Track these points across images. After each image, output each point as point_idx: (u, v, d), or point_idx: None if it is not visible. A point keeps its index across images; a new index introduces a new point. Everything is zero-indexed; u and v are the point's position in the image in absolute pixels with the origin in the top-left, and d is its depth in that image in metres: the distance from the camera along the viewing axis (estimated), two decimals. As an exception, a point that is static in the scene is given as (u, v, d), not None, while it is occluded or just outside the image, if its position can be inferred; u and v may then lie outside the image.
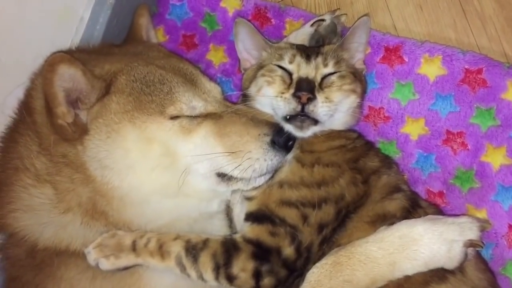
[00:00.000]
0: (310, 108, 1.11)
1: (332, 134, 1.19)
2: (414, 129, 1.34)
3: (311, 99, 1.11)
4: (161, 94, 1.07)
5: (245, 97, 1.23)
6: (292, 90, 1.13)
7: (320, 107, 1.11)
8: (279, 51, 1.23)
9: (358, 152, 1.18)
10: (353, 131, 1.25)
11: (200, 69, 1.24)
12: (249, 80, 1.26)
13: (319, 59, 1.18)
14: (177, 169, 1.06)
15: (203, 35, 1.53)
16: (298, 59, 1.18)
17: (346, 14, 1.41)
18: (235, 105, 1.17)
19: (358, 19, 1.27)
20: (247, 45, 1.28)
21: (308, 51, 1.21)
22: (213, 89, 1.19)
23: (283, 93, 1.14)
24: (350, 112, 1.20)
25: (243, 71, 1.33)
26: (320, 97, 1.12)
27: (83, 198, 1.06)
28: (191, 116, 1.08)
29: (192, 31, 1.53)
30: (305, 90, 1.11)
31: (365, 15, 1.31)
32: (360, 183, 1.11)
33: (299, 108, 1.11)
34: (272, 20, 1.48)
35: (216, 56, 1.52)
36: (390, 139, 1.37)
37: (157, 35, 1.48)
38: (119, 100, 1.06)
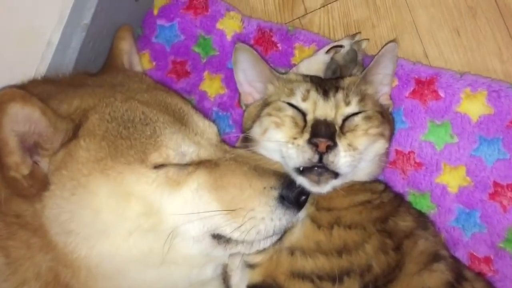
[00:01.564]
0: (329, 158, 1.00)
1: (354, 187, 1.09)
2: (453, 179, 1.25)
3: (331, 147, 1.00)
4: (143, 138, 0.98)
5: (247, 140, 1.14)
6: (307, 136, 1.02)
7: (342, 157, 1.00)
8: (289, 85, 1.12)
9: (387, 209, 1.08)
10: (379, 182, 1.16)
11: (191, 104, 1.16)
12: (251, 119, 1.16)
13: (340, 96, 1.07)
14: (161, 232, 0.97)
15: (196, 62, 1.47)
16: (314, 95, 1.07)
17: (368, 39, 1.32)
18: (235, 150, 1.09)
19: (384, 46, 1.18)
20: (249, 76, 1.19)
21: (325, 85, 1.10)
22: (208, 130, 1.10)
23: (295, 138, 1.03)
24: (376, 161, 1.10)
25: (244, 107, 1.25)
26: (342, 144, 1.02)
27: (42, 268, 0.95)
28: (180, 165, 0.99)
29: (184, 57, 1.48)
30: (324, 135, 1.00)
31: (392, 41, 1.23)
32: (391, 250, 1.02)
33: (315, 158, 1.00)
34: (279, 45, 1.41)
35: (212, 87, 1.45)
36: (422, 190, 1.28)
37: (141, 62, 1.42)
38: (90, 145, 0.96)
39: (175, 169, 0.97)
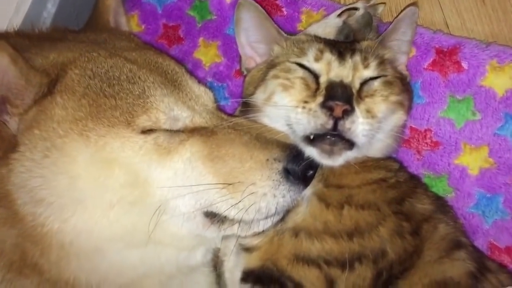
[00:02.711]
0: (346, 125, 0.94)
1: (367, 164, 1.04)
2: (473, 160, 1.21)
3: (348, 112, 0.94)
4: (130, 97, 0.93)
5: (246, 108, 1.09)
6: (320, 99, 0.96)
7: (360, 124, 0.95)
8: (299, 45, 1.06)
9: (403, 189, 1.05)
10: (393, 159, 1.11)
11: (185, 68, 1.12)
12: (254, 83, 1.10)
13: (357, 58, 1.01)
14: (147, 206, 0.92)
15: (190, 27, 1.41)
16: (328, 56, 1.01)
17: (384, 3, 1.26)
18: (234, 118, 1.04)
19: (402, 10, 1.13)
20: (253, 36, 1.13)
21: (339, 47, 1.04)
22: (203, 95, 1.06)
23: (306, 102, 0.97)
24: (393, 134, 1.04)
25: (244, 72, 1.19)
26: (360, 110, 0.96)
27: (6, 245, 0.91)
28: (171, 131, 0.94)
29: (177, 21, 1.42)
30: (340, 98, 0.93)
31: (411, 4, 1.15)
32: (408, 234, 0.98)
33: (330, 124, 0.94)
34: (284, 10, 1.34)
35: (207, 54, 1.39)
36: (439, 172, 1.24)
37: (129, 24, 1.35)
38: (67, 103, 0.91)
39: (165, 135, 0.93)
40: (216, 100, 1.09)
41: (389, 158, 1.09)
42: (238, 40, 1.16)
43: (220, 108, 1.09)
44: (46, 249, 0.89)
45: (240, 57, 1.21)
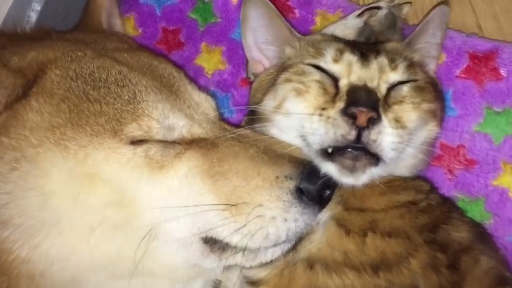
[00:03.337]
0: (371, 135, 0.84)
1: (394, 183, 0.95)
2: None
3: (374, 121, 0.84)
4: (118, 103, 0.87)
5: (253, 117, 1.02)
6: (340, 104, 0.87)
7: (388, 135, 0.85)
8: (315, 45, 0.98)
9: (436, 214, 0.95)
10: (423, 180, 1.02)
11: (184, 73, 1.07)
12: (262, 90, 1.02)
13: (383, 59, 0.92)
14: (135, 230, 0.85)
15: (192, 31, 1.35)
16: (349, 56, 0.93)
17: (410, 2, 1.19)
18: (239, 129, 0.99)
19: (431, 9, 1.05)
20: (262, 36, 1.05)
21: (361, 47, 0.96)
22: (204, 103, 1.01)
23: (323, 109, 0.88)
24: (424, 149, 0.95)
25: (251, 78, 1.11)
26: (387, 118, 0.86)
27: None
28: (165, 142, 0.88)
29: (177, 24, 1.35)
30: (365, 104, 0.84)
31: (442, 2, 1.08)
32: (444, 268, 0.89)
33: (352, 135, 0.84)
34: (296, 11, 1.28)
35: (210, 61, 1.33)
36: (475, 195, 1.17)
37: (125, 26, 1.30)
38: (43, 107, 0.84)
39: (158, 147, 0.87)
40: (218, 109, 1.03)
41: (418, 177, 1.00)
42: (245, 42, 1.09)
43: (223, 118, 1.05)
44: (13, 280, 0.81)
45: (246, 61, 1.15)
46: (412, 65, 0.96)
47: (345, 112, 0.86)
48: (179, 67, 1.11)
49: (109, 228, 0.82)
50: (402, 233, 0.89)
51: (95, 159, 0.81)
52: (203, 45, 1.33)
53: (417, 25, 1.06)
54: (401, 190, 0.95)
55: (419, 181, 1.00)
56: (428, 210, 0.94)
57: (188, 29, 1.35)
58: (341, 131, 0.85)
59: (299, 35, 1.05)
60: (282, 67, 0.99)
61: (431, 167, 1.14)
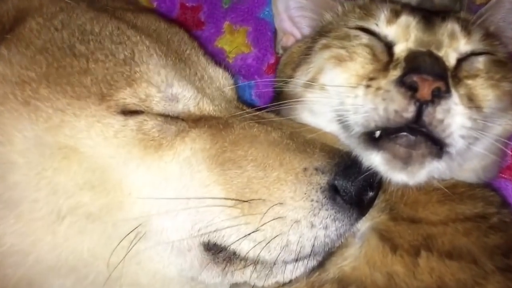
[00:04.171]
0: (437, 114, 0.69)
1: (458, 189, 0.80)
2: None
3: (441, 93, 0.68)
4: (110, 61, 0.77)
5: (280, 98, 0.89)
6: (397, 73, 0.71)
7: (458, 115, 0.69)
8: (364, 7, 0.84)
9: (511, 234, 0.81)
10: (492, 189, 0.87)
11: (199, 43, 0.98)
12: (292, 63, 0.91)
13: (453, 24, 0.77)
14: (117, 225, 0.75)
15: (214, 8, 1.26)
16: (407, 18, 0.78)
17: None
18: (260, 112, 0.88)
19: None
20: (296, 2, 0.92)
21: (423, 13, 0.81)
22: (220, 78, 0.91)
23: (372, 79, 0.72)
24: (496, 148, 0.79)
25: (280, 52, 1.01)
26: (458, 94, 0.70)
27: None
28: (166, 116, 0.78)
29: (197, 1, 1.27)
30: (430, 72, 0.68)
31: None
32: None
33: (411, 111, 0.69)
34: None
35: (233, 43, 1.23)
36: None
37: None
38: (14, 57, 0.74)
39: (157, 121, 0.76)
40: (237, 91, 0.93)
41: (487, 186, 0.85)
42: (275, 9, 0.99)
43: (242, 100, 0.94)
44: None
45: (275, 33, 1.04)
46: (488, 36, 0.81)
47: (402, 82, 0.70)
48: (193, 37, 1.00)
49: (83, 217, 0.71)
50: (467, 255, 0.75)
51: (73, 128, 0.70)
52: (226, 24, 1.24)
53: (486, 3, 0.90)
54: (467, 199, 0.80)
55: (489, 190, 0.84)
56: (501, 228, 0.79)
57: (210, 6, 1.26)
58: (395, 106, 0.70)
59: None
60: (320, 33, 0.85)
61: (499, 179, 0.98)
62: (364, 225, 0.79)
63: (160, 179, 0.74)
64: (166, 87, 0.78)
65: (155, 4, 1.27)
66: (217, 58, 1.25)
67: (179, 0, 1.28)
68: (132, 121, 0.73)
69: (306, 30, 0.96)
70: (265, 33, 1.16)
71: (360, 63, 0.77)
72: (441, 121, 0.70)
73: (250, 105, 0.97)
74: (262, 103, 1.19)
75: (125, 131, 0.73)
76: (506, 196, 0.99)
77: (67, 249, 0.72)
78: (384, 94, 0.71)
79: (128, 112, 0.74)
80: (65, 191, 0.70)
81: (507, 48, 0.94)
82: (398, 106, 0.70)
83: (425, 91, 0.69)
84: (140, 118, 0.74)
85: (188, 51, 0.89)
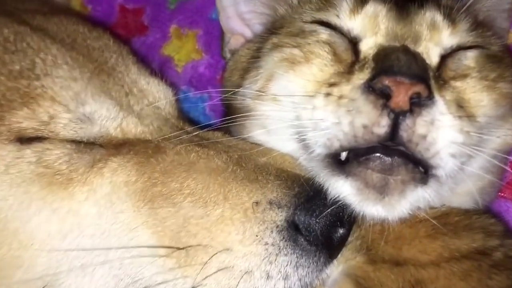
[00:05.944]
0: (418, 128, 0.58)
1: (450, 219, 0.70)
2: None
3: (422, 102, 0.58)
4: (1, 75, 0.69)
5: (229, 112, 0.79)
6: (363, 76, 0.60)
7: (446, 127, 0.59)
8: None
9: None
10: (492, 214, 0.78)
11: (129, 49, 0.91)
12: (240, 69, 0.81)
13: (433, 13, 0.66)
14: (14, 286, 0.68)
15: (159, 9, 1.20)
16: (374, 7, 0.68)
17: None
18: (205, 133, 0.79)
19: None
20: None
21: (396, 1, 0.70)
22: (153, 92, 0.83)
23: (333, 84, 0.62)
24: (495, 165, 0.69)
25: (227, 57, 0.92)
26: (443, 99, 0.60)
27: None
28: (78, 143, 0.69)
29: (139, 2, 1.21)
30: (406, 72, 0.57)
31: None
32: None
33: (384, 126, 0.57)
34: None
35: (182, 49, 1.17)
36: None
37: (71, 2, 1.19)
38: None
39: (64, 150, 0.67)
40: (178, 104, 0.84)
41: (485, 211, 0.74)
42: (219, 3, 0.87)
43: (185, 117, 0.86)
44: None
45: (221, 36, 0.95)
46: (477, 25, 0.70)
47: (370, 87, 0.58)
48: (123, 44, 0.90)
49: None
50: (466, 305, 0.58)
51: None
52: (172, 28, 1.17)
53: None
54: (463, 230, 0.70)
55: (488, 217, 0.72)
56: (507, 265, 0.68)
57: (154, 7, 1.19)
58: (363, 119, 0.58)
59: None
60: (271, 30, 0.74)
61: (498, 199, 0.88)
62: (335, 270, 0.69)
63: (70, 224, 0.65)
64: (77, 105, 0.68)
65: (89, 8, 1.20)
66: (164, 67, 1.16)
67: (118, 2, 1.21)
68: (30, 151, 0.64)
69: (258, 29, 0.84)
70: (218, 37, 1.09)
71: (318, 65, 0.66)
72: (424, 136, 0.58)
73: (196, 123, 0.89)
74: (218, 118, 1.08)
75: (21, 165, 0.63)
76: (509, 220, 0.90)
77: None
78: (349, 104, 0.59)
79: (26, 140, 0.64)
80: None
81: (501, 40, 0.79)
82: (367, 120, 0.58)
83: (400, 97, 0.57)
84: (40, 146, 0.64)
85: (113, 60, 0.80)
